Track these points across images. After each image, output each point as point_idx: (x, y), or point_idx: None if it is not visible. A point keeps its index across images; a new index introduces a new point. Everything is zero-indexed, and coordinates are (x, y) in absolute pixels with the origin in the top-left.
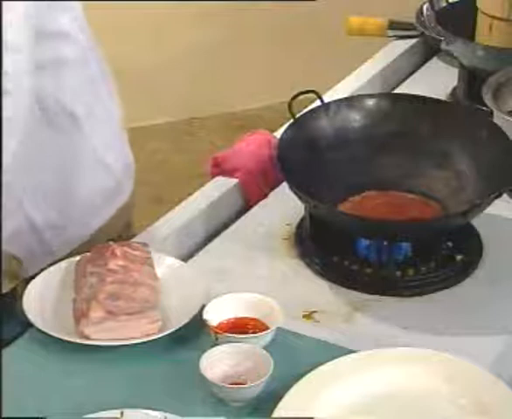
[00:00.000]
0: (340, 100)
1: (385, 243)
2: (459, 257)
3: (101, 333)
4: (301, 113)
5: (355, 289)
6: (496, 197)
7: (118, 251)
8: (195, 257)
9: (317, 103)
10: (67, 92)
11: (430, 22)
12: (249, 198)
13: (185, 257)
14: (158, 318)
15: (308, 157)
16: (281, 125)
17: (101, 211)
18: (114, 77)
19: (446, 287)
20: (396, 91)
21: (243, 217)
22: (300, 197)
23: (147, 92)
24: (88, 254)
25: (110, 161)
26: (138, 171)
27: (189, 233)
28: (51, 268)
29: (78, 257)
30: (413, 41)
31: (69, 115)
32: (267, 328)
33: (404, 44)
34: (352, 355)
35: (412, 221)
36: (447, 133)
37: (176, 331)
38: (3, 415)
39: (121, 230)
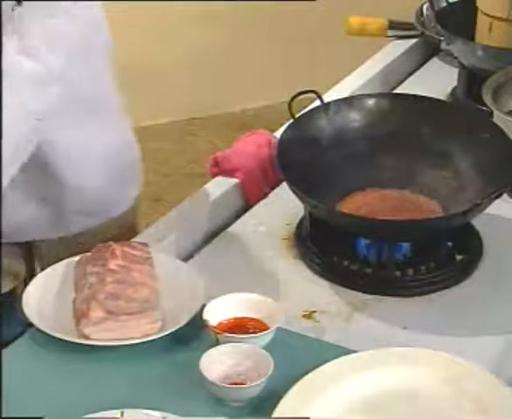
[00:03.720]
0: (340, 100)
1: (385, 243)
2: (459, 257)
3: (101, 332)
4: (301, 113)
5: (355, 289)
6: (496, 197)
7: (118, 251)
8: (195, 257)
9: (317, 103)
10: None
11: (430, 22)
12: (249, 198)
13: (185, 257)
14: (158, 318)
15: (308, 157)
16: (281, 125)
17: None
18: (114, 77)
19: (446, 287)
20: (396, 91)
21: (243, 217)
22: (299, 197)
23: (147, 92)
24: (88, 254)
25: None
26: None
27: (189, 233)
28: (51, 268)
29: (78, 257)
30: (413, 41)
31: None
32: (267, 328)
33: (404, 44)
34: (352, 355)
35: (412, 221)
36: (447, 133)
37: (176, 331)
38: (3, 415)
39: (125, 231)
